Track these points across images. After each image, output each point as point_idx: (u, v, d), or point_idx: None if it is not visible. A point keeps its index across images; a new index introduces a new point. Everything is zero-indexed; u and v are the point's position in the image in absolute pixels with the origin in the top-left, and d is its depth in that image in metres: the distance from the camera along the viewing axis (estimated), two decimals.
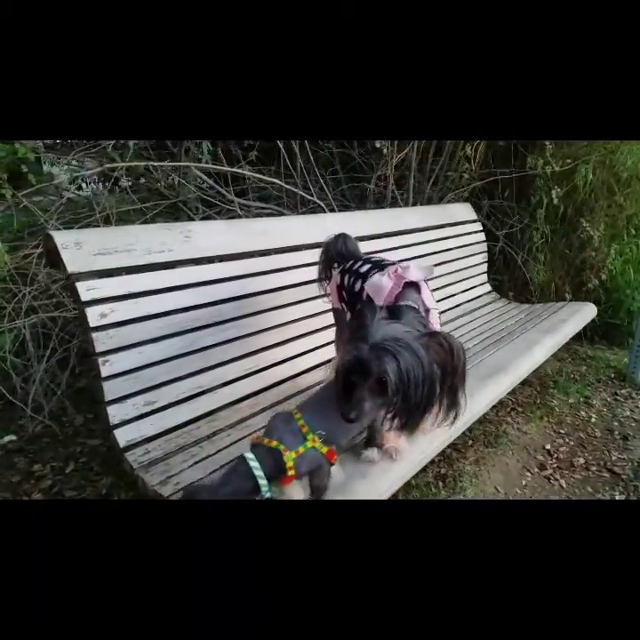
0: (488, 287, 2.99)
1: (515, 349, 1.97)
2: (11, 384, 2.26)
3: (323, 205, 2.67)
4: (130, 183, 2.57)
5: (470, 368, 1.86)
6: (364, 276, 1.33)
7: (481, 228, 2.94)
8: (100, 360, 1.26)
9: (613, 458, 2.21)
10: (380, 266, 1.34)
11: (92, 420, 2.29)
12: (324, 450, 1.02)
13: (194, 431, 1.40)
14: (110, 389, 1.27)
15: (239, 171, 2.52)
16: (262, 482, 0.96)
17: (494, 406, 2.55)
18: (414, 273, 1.22)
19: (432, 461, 2.08)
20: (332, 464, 1.07)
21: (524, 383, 2.80)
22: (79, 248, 1.27)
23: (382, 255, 1.62)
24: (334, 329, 1.67)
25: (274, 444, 0.99)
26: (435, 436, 1.34)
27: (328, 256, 1.58)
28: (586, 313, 2.54)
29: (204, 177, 2.59)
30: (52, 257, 1.26)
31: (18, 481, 1.88)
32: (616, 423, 2.49)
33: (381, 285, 1.20)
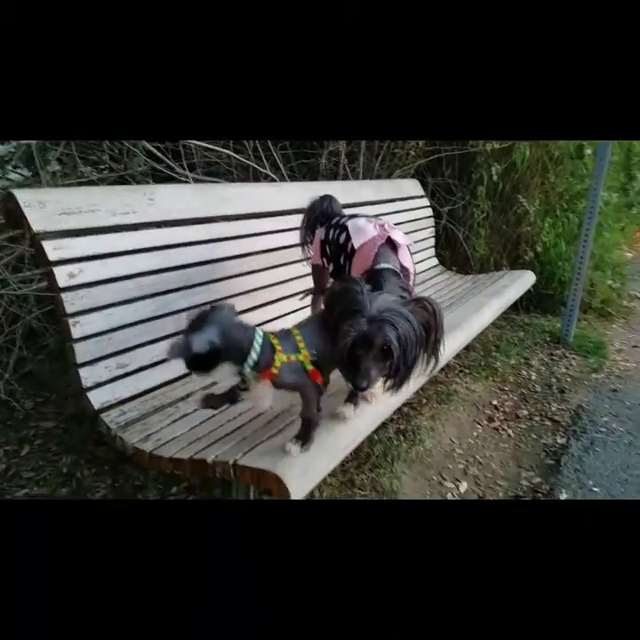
0: (435, 260, 3.13)
1: (466, 311, 2.10)
2: None
3: (276, 179, 2.68)
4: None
5: None
6: (348, 229, 1.38)
7: (428, 204, 3.07)
8: (71, 321, 1.23)
9: (553, 408, 2.42)
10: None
11: (42, 403, 2.20)
12: (310, 367, 1.09)
13: (169, 393, 1.40)
14: (82, 351, 1.25)
15: (194, 142, 2.47)
16: (254, 354, 1.03)
17: (443, 369, 2.71)
18: (399, 234, 1.30)
19: (391, 419, 2.19)
20: (318, 388, 1.11)
21: (469, 348, 2.98)
22: (43, 207, 1.23)
23: None
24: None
25: (275, 341, 1.07)
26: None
27: (312, 217, 1.61)
28: (526, 279, 2.73)
29: (153, 149, 2.52)
30: (14, 216, 1.21)
31: None
32: (554, 379, 2.71)
33: (366, 229, 1.26)
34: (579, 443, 2.09)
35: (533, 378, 2.73)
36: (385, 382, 1.11)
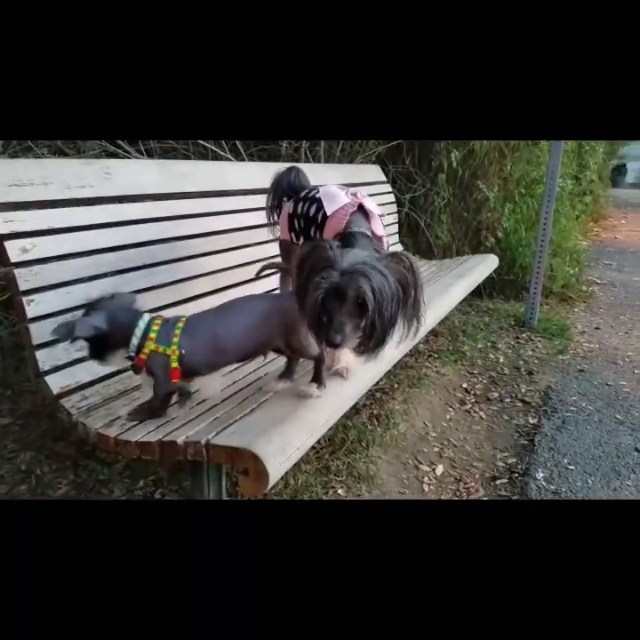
0: (400, 247, 3.13)
1: (434, 291, 2.09)
2: None
3: (236, 162, 2.61)
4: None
5: None
6: (319, 201, 1.33)
7: (390, 190, 3.07)
8: (25, 299, 1.14)
9: (523, 390, 2.46)
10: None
11: None
12: (174, 364, 1.07)
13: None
14: (37, 332, 1.16)
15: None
16: (134, 340, 1.06)
17: (413, 354, 2.72)
18: (371, 202, 1.26)
19: (364, 404, 2.18)
20: (169, 387, 1.11)
21: (437, 334, 3.00)
22: None
23: None
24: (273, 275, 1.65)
25: (156, 328, 1.08)
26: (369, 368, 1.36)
27: (279, 190, 1.54)
28: (489, 262, 2.77)
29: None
30: None
31: None
32: (521, 362, 2.76)
33: (337, 195, 1.22)
34: (550, 422, 2.13)
35: (501, 361, 2.77)
36: (360, 345, 1.05)
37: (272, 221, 1.61)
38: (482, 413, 2.27)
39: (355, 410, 2.13)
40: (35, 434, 1.84)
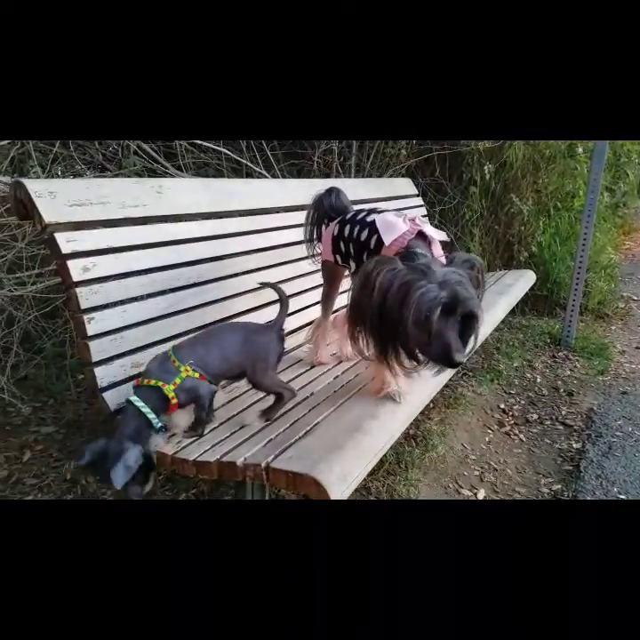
0: None
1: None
2: None
3: (270, 178, 2.64)
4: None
5: None
6: (371, 225, 1.32)
7: (421, 203, 3.05)
8: (86, 318, 1.16)
9: (563, 412, 2.40)
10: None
11: (41, 408, 2.11)
12: (197, 375, 1.15)
13: None
14: (97, 349, 1.18)
15: (197, 140, 2.42)
16: (151, 416, 1.09)
17: None
18: (431, 228, 1.26)
19: None
20: (212, 386, 1.18)
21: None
22: (54, 197, 1.16)
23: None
24: (314, 291, 1.66)
25: (153, 382, 1.11)
26: (426, 379, 1.35)
27: (319, 212, 1.55)
28: (528, 278, 2.72)
29: (148, 148, 2.46)
30: (24, 207, 1.14)
31: None
32: (560, 382, 2.70)
33: (396, 224, 1.21)
34: (596, 448, 2.06)
35: (538, 381, 2.72)
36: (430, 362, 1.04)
37: (309, 238, 1.61)
38: (522, 436, 2.22)
39: None
40: (78, 443, 1.87)
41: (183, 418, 1.17)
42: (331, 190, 1.56)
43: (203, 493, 1.65)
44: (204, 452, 1.09)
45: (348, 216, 1.45)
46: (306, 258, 1.62)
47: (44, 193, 1.15)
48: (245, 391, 1.39)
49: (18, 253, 1.99)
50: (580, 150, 3.41)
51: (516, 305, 3.56)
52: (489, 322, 1.97)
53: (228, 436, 1.15)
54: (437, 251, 1.25)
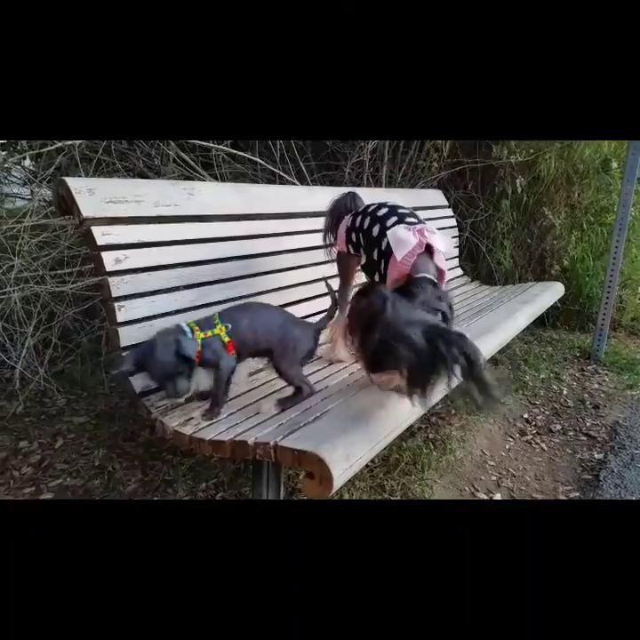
0: (460, 271, 3.12)
1: (498, 316, 2.08)
2: None
3: (305, 186, 2.72)
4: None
5: (462, 330, 1.96)
6: (382, 221, 1.38)
7: (452, 214, 3.08)
8: (116, 305, 1.25)
9: (588, 424, 2.35)
10: (397, 213, 1.40)
11: (75, 400, 2.23)
12: (226, 339, 1.22)
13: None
14: (126, 336, 1.27)
15: (235, 150, 2.53)
16: (187, 329, 1.20)
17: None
18: (438, 239, 1.32)
19: (419, 427, 2.17)
20: (233, 362, 1.24)
21: (497, 362, 2.94)
22: (92, 194, 1.27)
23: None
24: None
25: (192, 324, 1.23)
26: None
27: (335, 213, 1.62)
28: (556, 290, 2.70)
29: (186, 157, 2.60)
30: (65, 203, 1.25)
31: (5, 457, 1.81)
32: (586, 395, 2.65)
33: (407, 240, 1.27)
34: (617, 459, 2.02)
35: (565, 393, 2.67)
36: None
37: (328, 243, 1.69)
38: (543, 445, 2.19)
39: (410, 432, 2.13)
40: (107, 433, 1.97)
41: (203, 379, 1.24)
42: (348, 193, 1.63)
43: (222, 484, 1.70)
44: (220, 433, 1.15)
45: (361, 209, 1.52)
46: (330, 262, 1.68)
47: (83, 190, 1.25)
48: (265, 382, 1.45)
49: (60, 253, 2.14)
50: (615, 165, 3.37)
51: (547, 319, 3.54)
52: (510, 328, 1.98)
53: (242, 421, 1.21)
54: (440, 260, 1.31)
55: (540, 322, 3.55)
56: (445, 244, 1.33)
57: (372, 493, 1.73)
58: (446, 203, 3.06)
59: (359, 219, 1.47)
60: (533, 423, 2.36)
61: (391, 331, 1.06)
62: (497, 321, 1.98)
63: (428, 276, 1.25)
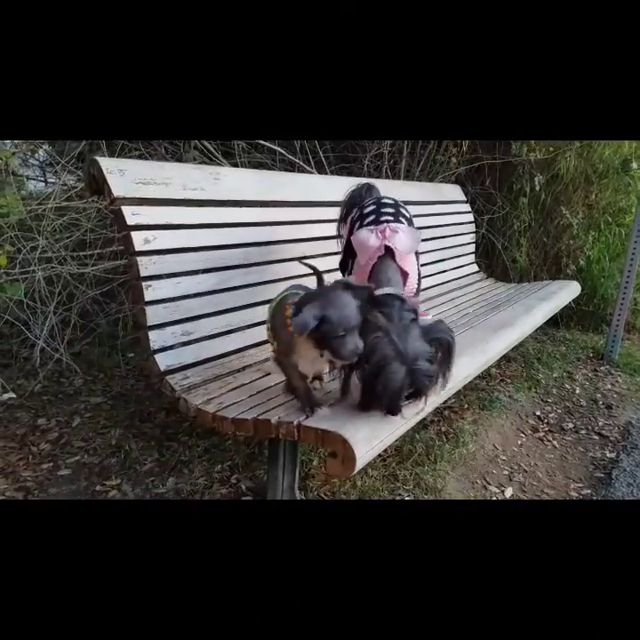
0: (476, 267, 3.12)
1: (515, 311, 2.08)
2: (7, 344, 2.22)
3: (325, 176, 2.73)
4: None
5: (480, 323, 1.96)
6: (363, 219, 1.38)
7: (469, 210, 3.07)
8: (144, 285, 1.27)
9: (600, 423, 2.35)
10: (378, 212, 1.38)
11: (92, 381, 2.26)
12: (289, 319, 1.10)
13: (226, 363, 1.43)
14: (152, 314, 1.29)
15: (260, 140, 2.54)
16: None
17: (484, 377, 2.68)
18: (400, 241, 1.27)
19: (432, 420, 2.18)
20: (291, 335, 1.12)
21: (510, 360, 2.94)
22: (122, 175, 1.29)
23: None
24: None
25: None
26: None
27: (349, 205, 1.60)
28: (572, 288, 2.70)
29: (209, 146, 2.61)
30: (96, 182, 1.27)
31: (23, 433, 1.84)
32: (599, 395, 2.64)
33: (368, 244, 1.26)
34: (630, 458, 2.02)
35: (577, 392, 2.67)
36: None
37: (340, 234, 1.68)
38: (555, 442, 2.19)
39: (423, 425, 2.14)
40: (124, 414, 2.00)
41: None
42: (364, 184, 1.63)
43: (237, 466, 1.73)
44: (242, 412, 1.17)
45: (364, 201, 1.50)
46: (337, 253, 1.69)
47: (115, 170, 1.27)
48: None
49: (82, 235, 2.17)
50: (635, 165, 3.35)
51: (561, 319, 3.53)
52: (527, 324, 1.98)
53: (265, 402, 1.23)
54: (405, 261, 1.28)
55: (554, 322, 3.54)
56: (411, 241, 1.29)
57: (384, 482, 1.74)
58: (464, 198, 3.06)
59: (354, 211, 1.46)
60: (545, 421, 2.36)
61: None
62: (514, 316, 1.98)
63: (391, 291, 1.20)
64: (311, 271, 1.25)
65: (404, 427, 1.15)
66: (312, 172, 2.76)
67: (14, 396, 2.08)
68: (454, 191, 2.98)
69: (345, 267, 1.49)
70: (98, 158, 1.27)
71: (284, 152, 2.61)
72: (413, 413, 1.14)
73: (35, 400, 2.07)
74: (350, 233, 1.48)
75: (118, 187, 1.27)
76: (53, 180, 2.26)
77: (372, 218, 1.36)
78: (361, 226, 1.37)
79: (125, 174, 1.30)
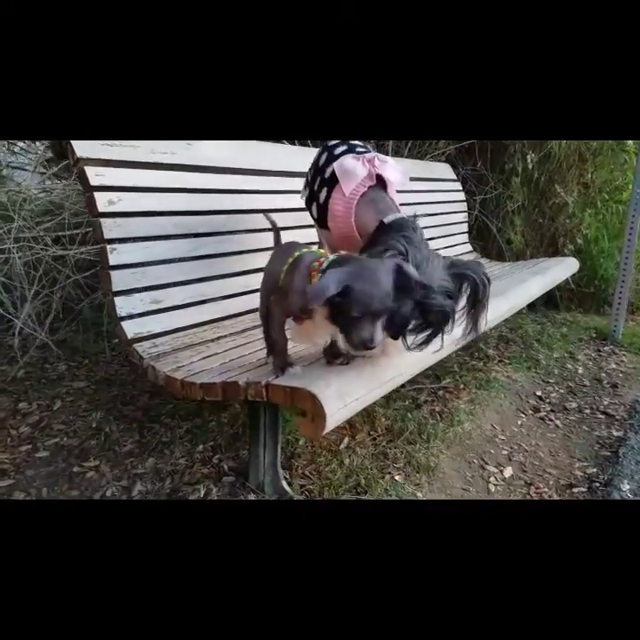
0: (469, 247, 3.05)
1: (509, 283, 2.01)
2: None
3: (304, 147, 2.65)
4: None
5: None
6: (331, 150, 1.27)
7: (460, 188, 3.00)
8: (108, 248, 1.22)
9: (605, 402, 2.26)
10: (348, 144, 1.28)
11: (76, 367, 2.20)
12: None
13: (199, 333, 1.38)
14: (117, 280, 1.23)
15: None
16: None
17: (481, 358, 2.60)
18: (391, 168, 1.17)
19: (425, 400, 2.11)
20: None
21: (508, 341, 2.87)
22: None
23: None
24: None
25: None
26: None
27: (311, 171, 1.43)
28: (569, 264, 2.62)
29: None
30: (60, 145, 1.22)
31: (3, 417, 1.79)
32: (603, 374, 2.55)
33: (354, 172, 1.14)
34: (638, 436, 1.93)
35: (580, 371, 2.58)
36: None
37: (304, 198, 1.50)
38: (558, 422, 2.11)
39: (415, 404, 2.07)
40: (106, 397, 1.94)
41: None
42: (323, 145, 1.48)
43: (220, 447, 1.66)
44: (212, 377, 1.11)
45: (327, 144, 1.36)
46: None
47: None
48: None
49: (63, 220, 2.12)
50: (630, 142, 3.27)
51: (561, 301, 3.44)
52: (521, 295, 1.91)
53: (236, 368, 1.16)
54: (393, 193, 1.19)
55: (554, 304, 3.46)
56: (401, 175, 1.18)
57: (374, 460, 1.67)
58: (455, 177, 2.99)
59: (323, 156, 1.31)
60: (547, 400, 2.28)
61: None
62: (508, 287, 1.91)
63: (402, 216, 1.09)
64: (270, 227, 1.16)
65: (384, 387, 1.08)
66: None
67: None
68: (444, 169, 2.92)
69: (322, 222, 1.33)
70: None
71: None
72: (432, 351, 1.04)
73: (17, 385, 2.02)
74: (310, 199, 1.36)
75: (82, 148, 1.22)
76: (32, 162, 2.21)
77: (344, 148, 1.26)
78: (330, 157, 1.25)
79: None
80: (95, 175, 1.22)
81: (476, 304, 1.01)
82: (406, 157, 3.15)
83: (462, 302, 1.03)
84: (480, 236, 3.45)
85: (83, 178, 1.21)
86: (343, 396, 0.95)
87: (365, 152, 1.23)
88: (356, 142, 1.31)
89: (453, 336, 1.06)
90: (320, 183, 1.24)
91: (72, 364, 2.21)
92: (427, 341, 1.01)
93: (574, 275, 3.02)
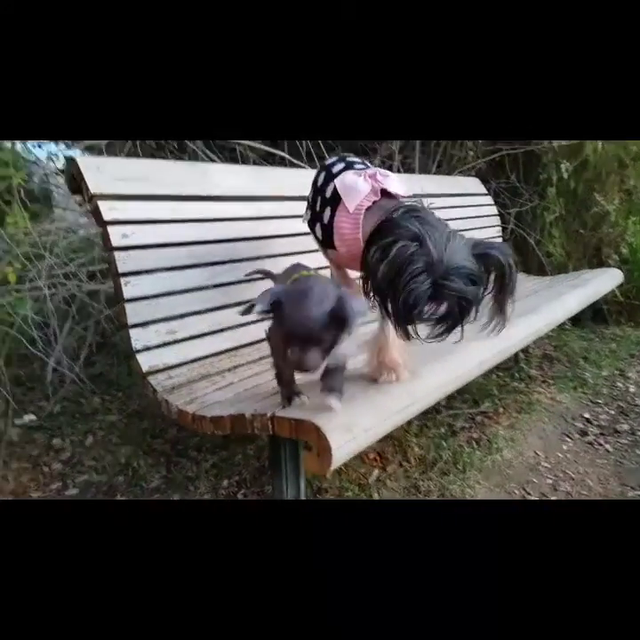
0: None
1: (546, 297, 1.90)
2: (31, 369, 2.25)
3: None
4: None
5: None
6: (329, 169, 1.23)
7: (492, 202, 2.91)
8: (122, 281, 1.22)
9: None
10: (345, 161, 1.24)
11: (110, 400, 2.24)
12: None
13: (216, 363, 1.35)
14: (132, 312, 1.23)
15: (260, 145, 2.53)
16: None
17: (523, 379, 2.46)
18: (395, 184, 1.12)
19: (462, 427, 2.00)
20: None
21: (552, 360, 2.71)
22: (100, 171, 1.27)
23: None
24: None
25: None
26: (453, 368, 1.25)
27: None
28: (612, 275, 2.46)
29: (212, 156, 2.62)
30: (76, 181, 1.26)
31: (37, 454, 1.83)
32: None
33: (356, 188, 1.10)
34: None
35: (632, 390, 2.40)
36: None
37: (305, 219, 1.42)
38: (608, 446, 1.95)
39: (451, 431, 1.97)
40: (136, 430, 1.95)
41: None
42: (321, 165, 1.39)
43: (245, 481, 1.63)
44: (224, 410, 1.08)
45: (326, 163, 1.31)
46: None
47: (92, 167, 1.26)
48: None
49: (95, 256, 2.19)
50: None
51: (610, 315, 3.24)
52: (558, 310, 1.80)
53: (249, 398, 1.14)
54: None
55: (602, 319, 3.27)
56: (404, 188, 1.13)
57: (405, 494, 1.59)
58: (485, 191, 2.90)
59: (322, 176, 1.26)
60: (596, 423, 2.12)
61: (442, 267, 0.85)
62: (543, 302, 1.80)
63: (410, 202, 1.01)
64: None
65: (399, 416, 1.02)
66: None
67: (35, 417, 2.09)
68: (474, 184, 2.84)
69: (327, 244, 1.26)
70: (76, 157, 1.27)
71: (291, 158, 2.57)
72: (452, 341, 0.94)
73: (53, 420, 2.07)
74: (313, 220, 1.29)
75: (95, 184, 1.24)
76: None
77: (342, 166, 1.21)
78: (329, 175, 1.21)
79: (102, 171, 1.28)
80: (108, 209, 1.24)
81: (503, 288, 0.93)
82: (434, 173, 3.10)
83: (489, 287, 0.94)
84: (518, 250, 3.32)
85: (96, 213, 1.23)
86: (351, 428, 0.89)
87: (365, 168, 1.19)
88: (354, 159, 1.27)
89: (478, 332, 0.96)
90: (322, 203, 1.20)
91: (106, 398, 2.25)
92: (445, 331, 0.93)
93: (622, 286, 2.84)
